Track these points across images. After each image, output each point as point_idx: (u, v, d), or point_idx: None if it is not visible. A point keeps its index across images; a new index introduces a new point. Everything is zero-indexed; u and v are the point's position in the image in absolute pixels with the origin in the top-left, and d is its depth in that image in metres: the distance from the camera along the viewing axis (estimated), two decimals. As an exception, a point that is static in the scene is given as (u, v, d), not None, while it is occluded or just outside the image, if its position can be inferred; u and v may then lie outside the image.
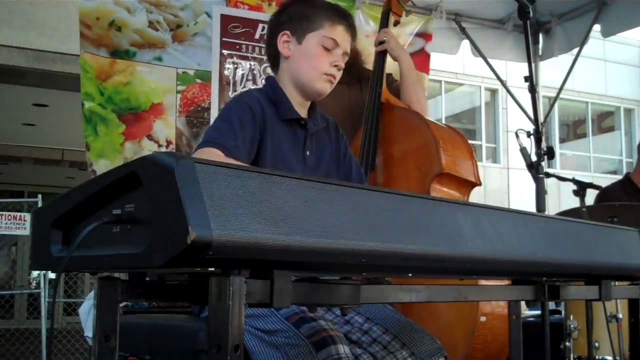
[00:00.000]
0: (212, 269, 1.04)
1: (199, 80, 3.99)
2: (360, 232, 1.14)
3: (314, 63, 2.11)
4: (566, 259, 1.63)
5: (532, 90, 2.24)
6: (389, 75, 3.34)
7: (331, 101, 3.18)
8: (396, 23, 3.37)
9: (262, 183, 1.03)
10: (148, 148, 3.80)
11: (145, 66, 3.85)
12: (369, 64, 3.37)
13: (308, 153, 2.14)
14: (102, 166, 3.65)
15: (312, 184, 1.11)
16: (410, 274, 1.38)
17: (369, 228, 1.16)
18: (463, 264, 1.34)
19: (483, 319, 2.63)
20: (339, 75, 2.15)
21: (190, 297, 1.20)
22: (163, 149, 3.83)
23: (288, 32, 2.14)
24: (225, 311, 1.00)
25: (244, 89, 3.90)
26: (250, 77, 4.03)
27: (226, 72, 3.99)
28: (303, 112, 2.17)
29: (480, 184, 2.94)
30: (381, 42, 3.24)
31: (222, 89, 3.95)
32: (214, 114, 3.86)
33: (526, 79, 2.27)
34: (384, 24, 3.32)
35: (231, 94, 3.94)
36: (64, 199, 1.10)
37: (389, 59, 3.25)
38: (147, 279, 1.23)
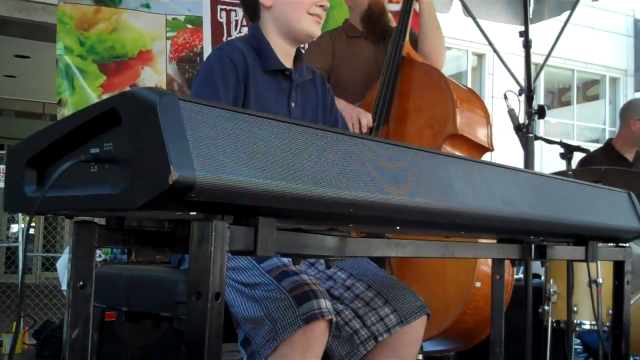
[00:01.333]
0: (194, 213, 1.00)
1: (189, 26, 3.90)
2: (349, 181, 1.10)
3: (298, 5, 2.05)
4: (556, 217, 1.60)
5: (527, 45, 2.19)
6: (413, 30, 3.25)
7: (356, 58, 3.14)
8: None
9: (250, 125, 0.98)
10: None
11: (132, 13, 3.75)
12: (394, 23, 3.29)
13: (293, 105, 2.09)
14: None
15: (301, 128, 1.06)
16: (398, 227, 1.35)
17: (358, 177, 1.12)
18: (453, 218, 1.31)
19: (478, 284, 2.61)
20: (324, 14, 2.10)
21: (171, 243, 1.16)
22: None
23: None
24: (207, 257, 0.96)
25: (240, 34, 3.82)
26: (245, 23, 3.93)
27: (219, 19, 3.89)
28: (288, 63, 2.12)
29: (492, 150, 2.87)
30: None
31: (215, 33, 3.86)
32: (207, 53, 3.77)
33: (521, 34, 2.22)
34: None
35: (225, 39, 3.85)
36: (39, 137, 1.05)
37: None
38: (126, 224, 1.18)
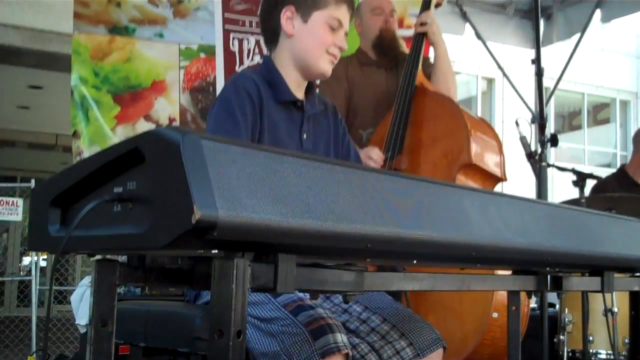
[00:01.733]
0: (215, 251, 1.01)
1: (202, 55, 3.91)
2: (366, 216, 1.11)
3: (320, 42, 2.07)
4: (571, 249, 1.60)
5: (539, 73, 2.20)
6: (426, 58, 3.28)
7: (369, 85, 3.17)
8: (438, 5, 3.30)
9: (270, 161, 1.00)
10: (143, 131, 3.73)
11: (145, 43, 3.77)
12: (405, 48, 3.33)
13: (305, 136, 2.11)
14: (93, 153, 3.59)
15: (320, 164, 1.07)
16: (415, 261, 1.35)
17: (375, 212, 1.13)
18: (469, 251, 1.31)
19: (495, 315, 2.60)
20: (339, 56, 2.12)
21: (191, 281, 1.17)
22: None
23: (292, 8, 2.08)
24: (229, 295, 0.97)
25: (252, 63, 3.84)
26: (257, 51, 3.95)
27: (232, 48, 3.92)
28: (300, 94, 2.14)
29: (505, 180, 2.88)
30: (422, 24, 3.17)
31: (227, 62, 3.89)
32: (219, 88, 3.79)
33: (533, 61, 2.23)
34: (426, 5, 3.24)
35: (238, 68, 3.87)
36: (63, 176, 1.07)
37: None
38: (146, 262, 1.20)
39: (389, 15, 3.27)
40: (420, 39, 3.15)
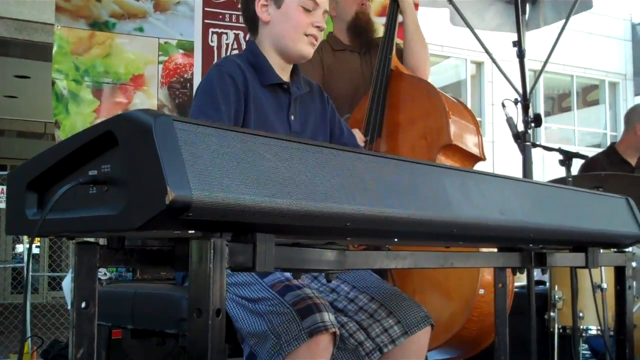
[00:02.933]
0: (193, 231, 1.01)
1: (181, 51, 3.93)
2: (345, 195, 1.11)
3: (294, 25, 2.06)
4: (553, 225, 1.61)
5: (521, 55, 2.20)
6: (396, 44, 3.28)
7: (344, 70, 3.16)
8: None
9: (245, 143, 1.00)
10: None
11: (125, 37, 3.79)
12: (379, 33, 3.32)
13: (292, 118, 2.11)
14: None
15: (296, 145, 1.08)
16: (396, 239, 1.36)
17: (354, 191, 1.13)
18: (450, 228, 1.32)
19: (482, 292, 2.61)
20: (320, 35, 2.11)
21: (171, 262, 1.17)
22: None
23: None
24: (206, 275, 0.97)
25: None
26: (235, 46, 3.96)
27: (210, 43, 3.92)
28: (285, 77, 2.13)
29: (484, 159, 2.90)
30: None
31: (206, 59, 3.89)
32: (197, 84, 3.81)
33: (514, 43, 2.23)
34: None
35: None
36: (38, 160, 1.07)
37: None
38: (127, 244, 1.20)
39: (365, 0, 3.26)
40: (393, 19, 3.13)
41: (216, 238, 0.99)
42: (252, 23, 2.14)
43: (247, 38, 3.90)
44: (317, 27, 2.08)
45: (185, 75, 3.92)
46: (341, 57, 3.17)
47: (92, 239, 1.20)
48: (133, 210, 0.91)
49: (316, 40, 2.09)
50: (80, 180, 0.97)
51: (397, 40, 3.26)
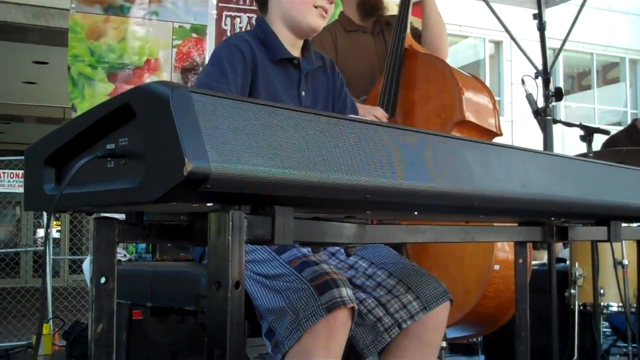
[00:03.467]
0: (211, 204, 1.00)
1: (194, 35, 3.94)
2: (364, 168, 1.10)
3: None
4: (575, 198, 1.59)
5: (541, 28, 2.17)
6: (413, 26, 3.25)
7: (358, 51, 3.14)
8: None
9: (263, 115, 0.99)
10: None
11: (139, 21, 3.80)
12: (389, 11, 3.29)
13: (303, 93, 2.09)
14: None
15: (315, 117, 1.06)
16: (415, 212, 1.35)
17: (374, 163, 1.11)
18: (470, 201, 1.30)
19: (497, 267, 2.61)
20: (331, 8, 2.09)
21: (190, 236, 1.17)
22: None
23: None
24: (225, 247, 0.97)
25: None
26: (249, 28, 3.95)
27: (224, 26, 3.91)
28: (296, 52, 2.12)
29: (501, 134, 2.88)
30: None
31: (218, 41, 3.89)
32: None
33: (535, 16, 2.20)
34: None
35: None
36: (55, 136, 1.06)
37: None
38: (145, 219, 1.20)
39: None
40: None
41: (235, 210, 0.98)
42: None
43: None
44: None
45: (198, 60, 3.93)
46: (354, 38, 3.15)
47: (110, 215, 1.20)
48: (151, 183, 0.91)
49: (326, 12, 2.07)
50: (98, 154, 0.96)
51: (413, 19, 3.24)
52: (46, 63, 9.49)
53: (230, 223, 0.96)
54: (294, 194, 1.01)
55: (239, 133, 0.95)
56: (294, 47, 2.11)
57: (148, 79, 3.84)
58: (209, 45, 3.86)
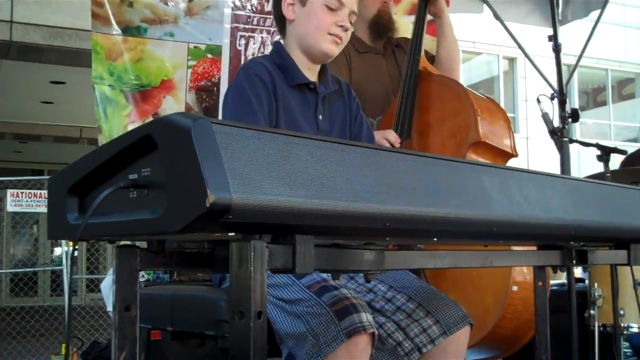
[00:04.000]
0: (232, 234, 1.01)
1: (209, 55, 3.97)
2: (384, 195, 1.10)
3: (317, 24, 2.06)
4: (595, 222, 1.58)
5: (557, 50, 2.17)
6: (426, 51, 3.29)
7: (371, 73, 3.16)
8: None
9: (283, 145, 0.99)
10: None
11: (156, 43, 3.84)
12: (400, 32, 3.32)
13: (320, 117, 2.11)
14: None
15: (334, 145, 1.07)
16: (435, 239, 1.35)
17: (393, 191, 1.12)
18: (489, 227, 1.30)
19: (515, 288, 2.60)
20: (345, 36, 2.10)
21: (211, 264, 1.18)
22: None
23: None
24: (247, 277, 0.97)
25: None
26: (262, 50, 3.99)
27: (238, 47, 3.94)
28: (313, 76, 2.13)
29: (517, 155, 2.88)
30: None
31: (233, 62, 3.92)
32: (223, 88, 3.85)
33: (550, 38, 2.20)
34: None
35: None
36: (79, 165, 1.07)
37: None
38: (166, 247, 1.20)
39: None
40: (421, 22, 3.12)
41: (256, 240, 0.98)
42: (280, 22, 2.16)
43: (273, 41, 3.92)
44: (341, 26, 2.07)
45: (213, 79, 3.96)
46: (367, 59, 3.17)
47: (132, 242, 1.21)
48: (173, 214, 0.91)
49: (340, 39, 2.08)
50: (121, 185, 0.97)
51: (428, 37, 3.25)
52: (63, 83, 9.57)
53: (252, 253, 0.97)
54: (314, 223, 1.02)
55: (259, 163, 0.95)
56: (310, 72, 2.12)
57: (164, 99, 3.86)
58: (224, 65, 3.88)
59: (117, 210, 1.01)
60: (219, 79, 3.92)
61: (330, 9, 2.05)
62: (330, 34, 2.06)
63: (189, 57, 3.92)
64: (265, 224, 0.98)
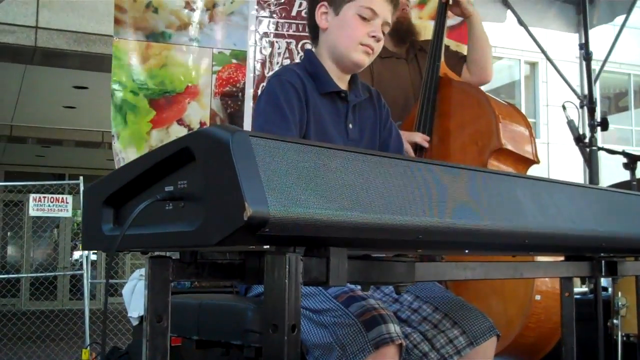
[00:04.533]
0: (267, 246, 1.01)
1: (234, 61, 3.96)
2: (417, 207, 1.10)
3: (349, 33, 2.06)
4: (625, 233, 1.57)
5: (587, 58, 2.15)
6: (446, 47, 3.26)
7: (393, 78, 3.16)
8: None
9: (318, 157, 0.99)
10: (175, 134, 3.77)
11: (180, 48, 3.84)
12: (422, 36, 3.32)
13: (351, 126, 2.11)
14: (130, 154, 3.65)
15: (368, 157, 1.07)
16: (467, 251, 1.34)
17: (426, 203, 1.12)
18: (522, 239, 1.29)
19: (538, 297, 2.58)
20: (377, 47, 2.10)
21: (242, 275, 1.18)
22: None
23: (326, 4, 2.10)
24: (282, 290, 0.97)
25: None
26: (287, 55, 3.98)
27: (263, 52, 3.95)
28: (343, 85, 2.13)
29: (538, 162, 2.87)
30: None
31: (258, 68, 3.92)
32: (248, 93, 3.85)
33: (581, 46, 2.18)
34: None
35: (267, 73, 3.90)
36: (115, 177, 1.08)
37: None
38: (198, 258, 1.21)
39: (405, 4, 3.26)
40: (441, 28, 3.10)
41: (290, 253, 0.98)
42: (314, 31, 2.16)
43: (298, 47, 3.92)
44: (374, 37, 2.06)
45: (238, 85, 3.96)
46: (388, 64, 3.17)
47: (164, 253, 1.22)
48: (210, 227, 0.92)
49: (372, 50, 2.08)
50: (158, 197, 0.97)
51: (449, 42, 3.24)
52: (86, 88, 9.65)
53: (287, 266, 0.97)
54: (349, 235, 1.02)
55: (295, 175, 0.95)
56: (341, 81, 2.12)
57: (188, 104, 3.87)
58: (249, 70, 3.88)
59: (152, 222, 1.01)
60: (244, 84, 3.92)
61: (364, 18, 2.05)
62: (362, 44, 2.06)
63: (214, 63, 3.92)
64: (300, 237, 0.98)
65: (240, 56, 3.95)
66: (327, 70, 2.10)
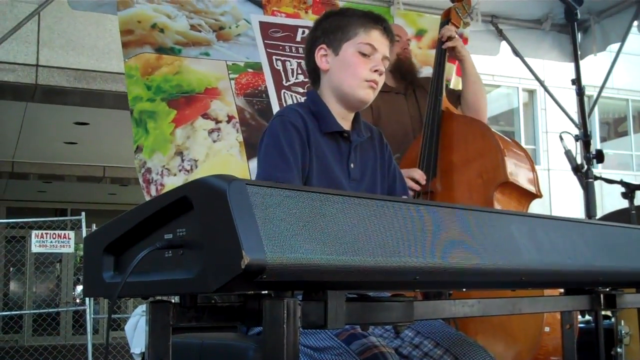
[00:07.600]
0: (265, 291, 1.03)
1: (250, 70, 3.96)
2: (414, 249, 1.11)
3: (353, 71, 2.08)
4: (623, 267, 1.58)
5: (580, 93, 2.19)
6: (452, 89, 3.33)
7: (392, 113, 3.19)
8: (466, 25, 3.34)
9: (314, 203, 1.01)
10: (203, 127, 3.74)
11: (192, 60, 3.83)
12: (424, 64, 3.37)
13: (352, 166, 2.12)
14: (155, 161, 3.62)
15: (363, 201, 1.09)
16: (464, 289, 1.35)
17: (422, 244, 1.13)
18: (518, 276, 1.31)
19: (547, 329, 2.58)
20: (381, 80, 2.13)
21: (242, 318, 1.19)
22: (223, 125, 3.76)
23: (324, 46, 2.13)
24: (280, 335, 0.98)
25: (297, 81, 3.89)
26: (300, 71, 3.99)
27: (276, 67, 3.96)
28: (346, 125, 2.15)
29: (541, 196, 2.89)
30: (450, 38, 3.18)
31: (275, 79, 3.94)
32: (272, 94, 3.85)
33: (573, 82, 2.22)
34: (446, 20, 3.26)
35: (285, 82, 3.91)
36: (115, 225, 1.10)
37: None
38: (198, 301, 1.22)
39: (406, 43, 3.32)
40: (444, 55, 3.16)
41: (288, 298, 1.00)
42: (314, 73, 2.18)
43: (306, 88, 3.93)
44: (376, 71, 2.09)
45: (260, 88, 3.95)
46: (388, 99, 3.21)
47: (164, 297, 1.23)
48: (209, 274, 0.93)
49: (376, 84, 2.11)
50: (158, 245, 0.99)
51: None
52: (87, 124, 9.70)
53: (285, 312, 0.98)
54: (346, 279, 1.03)
55: (293, 221, 0.97)
56: (344, 120, 2.15)
57: (212, 102, 3.83)
58: (268, 80, 3.89)
59: (152, 269, 1.03)
60: (265, 87, 3.92)
61: (364, 54, 2.08)
62: (366, 81, 2.08)
63: (230, 72, 3.92)
64: (298, 281, 0.99)
65: (256, 67, 3.95)
66: (330, 110, 2.12)
